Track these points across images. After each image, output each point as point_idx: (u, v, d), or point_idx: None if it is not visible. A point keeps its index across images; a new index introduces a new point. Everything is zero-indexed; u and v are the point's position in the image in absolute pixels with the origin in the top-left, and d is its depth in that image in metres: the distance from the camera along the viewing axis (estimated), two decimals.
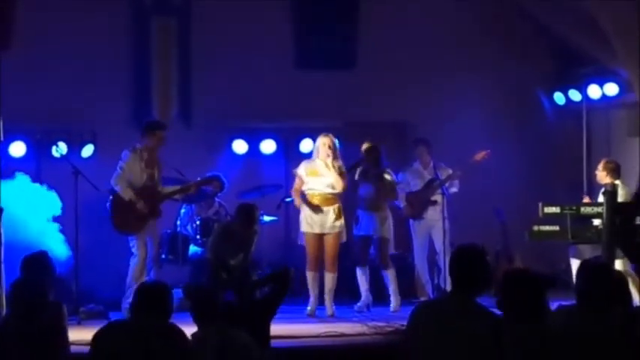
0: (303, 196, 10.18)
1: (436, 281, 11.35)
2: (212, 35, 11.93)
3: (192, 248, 11.01)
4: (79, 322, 9.32)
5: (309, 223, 10.13)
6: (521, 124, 12.59)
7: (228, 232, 9.80)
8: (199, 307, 5.99)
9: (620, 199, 8.68)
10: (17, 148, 11.26)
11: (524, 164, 12.50)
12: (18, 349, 5.95)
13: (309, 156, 10.77)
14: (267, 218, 11.03)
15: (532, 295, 5.13)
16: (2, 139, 8.48)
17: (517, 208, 11.10)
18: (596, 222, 8.70)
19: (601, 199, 9.02)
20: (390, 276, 10.39)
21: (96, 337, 5.66)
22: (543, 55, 12.82)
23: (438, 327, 5.08)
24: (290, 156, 12.03)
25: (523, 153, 12.52)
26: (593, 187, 11.40)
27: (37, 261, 6.60)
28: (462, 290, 5.16)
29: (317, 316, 10.05)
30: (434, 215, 11.13)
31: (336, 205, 10.16)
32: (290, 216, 11.51)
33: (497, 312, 5.17)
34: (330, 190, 10.14)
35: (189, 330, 5.91)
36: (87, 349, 5.76)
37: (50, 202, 10.17)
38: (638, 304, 8.30)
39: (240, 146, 12.09)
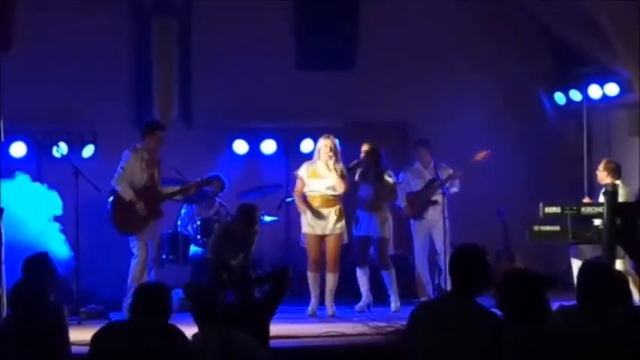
0: (305, 199, 10.17)
1: (437, 281, 11.35)
2: (212, 35, 11.93)
3: (193, 248, 11.01)
4: (80, 323, 9.32)
5: (310, 224, 10.14)
6: (521, 124, 12.59)
7: (229, 232, 9.80)
8: (200, 308, 5.99)
9: (620, 199, 8.68)
10: (18, 149, 11.26)
11: (524, 164, 12.49)
12: (18, 349, 5.96)
13: (309, 156, 10.77)
14: (267, 218, 11.04)
15: (532, 295, 5.13)
16: (3, 139, 8.47)
17: (518, 208, 11.09)
18: (597, 222, 8.69)
19: (602, 199, 9.02)
20: (389, 276, 10.39)
21: (95, 337, 5.66)
22: (544, 55, 12.81)
23: (438, 327, 5.08)
24: (290, 156, 12.03)
25: (523, 153, 12.52)
26: (593, 187, 11.41)
27: (38, 262, 6.60)
28: (461, 290, 5.16)
29: (318, 316, 10.06)
30: (434, 215, 11.13)
31: (337, 207, 10.17)
32: (290, 216, 11.51)
33: (497, 312, 5.17)
34: (332, 192, 10.14)
35: (190, 330, 5.91)
36: (87, 349, 5.76)
37: (51, 202, 10.17)
38: (638, 303, 8.30)
39: (240, 146, 12.09)
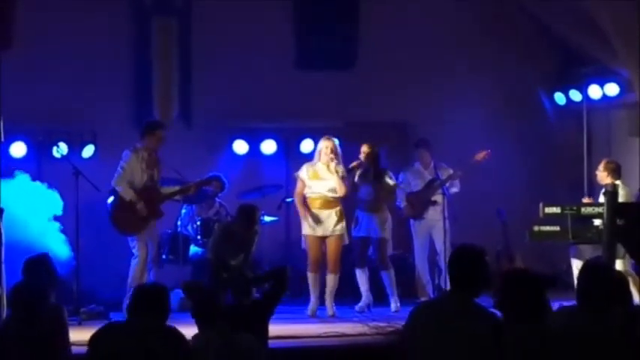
0: (305, 201, 10.17)
1: (437, 281, 11.34)
2: (212, 35, 11.93)
3: (193, 249, 11.01)
4: (80, 323, 9.32)
5: (311, 226, 10.14)
6: (521, 124, 12.59)
7: (229, 232, 9.80)
8: (200, 308, 5.99)
9: (620, 199, 8.68)
10: (18, 149, 11.25)
11: (524, 164, 12.49)
12: (18, 350, 5.96)
13: (309, 156, 10.76)
14: (267, 218, 11.04)
15: (532, 295, 5.13)
16: (3, 139, 8.47)
17: (518, 208, 11.09)
18: (597, 222, 8.69)
19: (602, 199, 9.02)
20: (389, 277, 10.39)
21: (93, 338, 5.65)
22: (544, 55, 12.81)
23: (438, 327, 5.08)
24: (290, 156, 12.03)
25: (523, 153, 12.52)
26: (593, 188, 11.41)
27: (39, 263, 6.60)
28: (461, 290, 5.16)
29: (318, 317, 10.06)
30: (434, 215, 11.12)
31: (338, 208, 10.18)
32: (290, 216, 11.51)
33: (496, 312, 5.18)
34: (332, 194, 10.14)
35: (190, 330, 5.91)
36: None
37: (51, 201, 10.16)
38: (638, 304, 8.30)
39: (240, 146, 12.08)
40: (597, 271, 5.40)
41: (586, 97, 12.23)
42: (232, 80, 11.94)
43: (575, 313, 5.28)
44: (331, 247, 10.13)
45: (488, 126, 12.24)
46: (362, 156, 10.37)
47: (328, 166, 10.11)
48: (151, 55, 11.95)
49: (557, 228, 8.75)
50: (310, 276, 10.17)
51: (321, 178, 10.15)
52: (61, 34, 11.47)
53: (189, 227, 11.11)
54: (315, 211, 10.14)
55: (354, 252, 10.52)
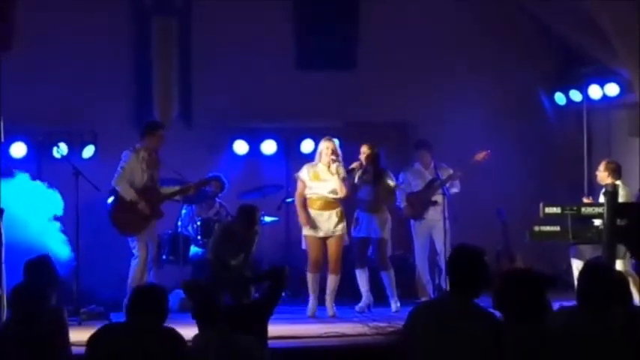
0: (305, 203, 10.16)
1: (437, 281, 11.33)
2: (212, 35, 11.93)
3: (193, 249, 11.01)
4: (80, 323, 9.30)
5: (312, 226, 10.13)
6: (521, 124, 12.59)
7: (229, 232, 9.80)
8: (201, 308, 5.99)
9: (620, 199, 8.69)
10: (18, 149, 11.25)
11: (524, 164, 12.49)
12: (18, 352, 5.95)
13: (309, 156, 10.76)
14: (267, 219, 11.03)
15: (532, 295, 5.13)
16: (3, 139, 8.47)
17: (518, 209, 11.09)
18: (597, 222, 8.69)
19: (602, 199, 9.02)
20: (388, 277, 10.39)
21: (91, 339, 5.65)
22: (544, 55, 12.81)
23: (438, 327, 5.08)
24: (291, 156, 12.03)
25: (524, 153, 12.52)
26: (593, 188, 11.41)
27: (40, 265, 6.60)
28: (460, 290, 5.16)
29: (318, 317, 10.05)
30: (435, 215, 11.12)
31: (338, 209, 10.17)
32: (291, 216, 11.50)
33: (496, 312, 5.18)
34: (333, 195, 10.14)
35: (190, 330, 5.91)
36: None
37: (51, 201, 10.15)
38: (638, 304, 8.30)
39: (240, 147, 12.08)
40: (597, 271, 5.41)
41: (586, 97, 12.23)
42: (232, 80, 11.94)
43: (575, 313, 5.28)
44: (332, 247, 10.13)
45: (488, 126, 12.23)
46: (362, 157, 10.37)
47: (329, 167, 10.11)
48: (151, 55, 11.95)
49: (558, 228, 8.75)
50: (310, 276, 10.17)
51: (322, 179, 10.14)
52: (61, 34, 11.47)
53: (190, 227, 11.11)
54: (315, 211, 10.13)
55: (353, 252, 10.51)
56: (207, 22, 11.91)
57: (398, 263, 11.00)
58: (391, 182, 10.45)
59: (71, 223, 9.93)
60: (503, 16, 12.63)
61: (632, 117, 11.56)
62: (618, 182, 9.65)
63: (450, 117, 12.18)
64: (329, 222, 10.10)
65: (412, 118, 12.40)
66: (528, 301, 5.11)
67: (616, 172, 9.98)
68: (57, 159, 10.71)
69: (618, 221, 8.14)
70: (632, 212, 8.13)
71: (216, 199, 11.25)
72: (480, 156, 11.09)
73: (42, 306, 6.09)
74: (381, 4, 12.29)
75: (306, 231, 10.17)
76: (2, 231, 8.23)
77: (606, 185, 9.27)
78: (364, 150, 10.38)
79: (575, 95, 12.40)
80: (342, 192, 10.11)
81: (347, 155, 10.37)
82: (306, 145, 11.90)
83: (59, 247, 9.84)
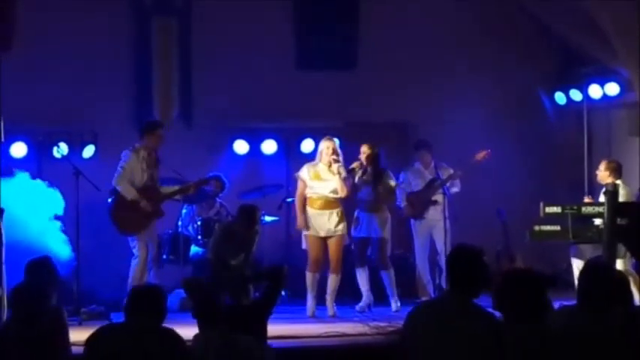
0: (305, 204, 10.16)
1: (437, 281, 11.34)
2: (212, 35, 11.93)
3: (194, 249, 11.01)
4: (81, 323, 9.30)
5: (312, 226, 10.14)
6: (521, 124, 12.59)
7: (230, 232, 9.81)
8: (201, 308, 5.99)
9: (621, 199, 8.70)
10: (18, 149, 11.25)
11: (525, 164, 12.49)
12: (18, 352, 5.95)
13: (309, 156, 10.76)
14: (268, 218, 11.04)
15: (532, 295, 5.13)
16: (3, 139, 8.47)
17: (518, 208, 11.10)
18: (597, 222, 8.70)
19: (602, 198, 9.02)
20: (389, 277, 10.39)
21: (90, 340, 5.64)
22: (544, 55, 12.81)
23: (438, 327, 5.08)
24: (291, 156, 12.03)
25: (524, 153, 12.52)
26: (594, 187, 11.41)
27: (41, 266, 6.60)
28: (460, 290, 5.16)
29: (318, 317, 10.05)
30: (435, 215, 11.12)
31: (339, 209, 10.17)
32: (291, 216, 11.50)
33: (496, 313, 5.18)
34: (334, 195, 10.14)
35: (190, 330, 5.91)
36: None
37: (51, 200, 10.15)
38: (639, 304, 8.30)
39: (241, 146, 12.08)
40: (598, 270, 5.41)
41: (586, 96, 12.23)
42: (232, 80, 11.94)
43: (575, 312, 5.28)
44: (333, 247, 10.13)
45: (488, 126, 12.23)
46: (362, 156, 10.37)
47: (330, 167, 10.11)
48: (151, 55, 11.95)
49: (558, 227, 8.76)
50: (309, 276, 10.16)
51: (322, 178, 10.14)
52: (61, 34, 11.47)
53: (190, 227, 11.11)
54: (316, 211, 10.13)
55: (354, 252, 10.51)
56: (207, 22, 11.91)
57: (398, 263, 11.00)
58: (391, 182, 10.46)
59: (71, 222, 9.93)
60: (503, 16, 12.63)
61: (632, 116, 11.57)
62: (619, 182, 9.66)
63: (450, 117, 12.18)
64: (329, 222, 10.10)
65: (412, 118, 12.41)
66: (528, 301, 5.11)
67: (616, 171, 9.97)
68: (57, 159, 10.72)
69: (619, 221, 8.15)
70: (633, 212, 8.14)
71: (217, 199, 11.25)
72: (480, 156, 11.09)
73: (42, 306, 6.09)
74: (381, 4, 12.29)
75: (306, 230, 10.17)
76: (2, 231, 8.23)
77: (607, 185, 9.27)
78: (364, 150, 10.39)
79: (576, 95, 12.40)
80: (342, 192, 10.11)
81: (347, 155, 10.37)
82: (307, 145, 11.90)
83: (59, 247, 9.84)
